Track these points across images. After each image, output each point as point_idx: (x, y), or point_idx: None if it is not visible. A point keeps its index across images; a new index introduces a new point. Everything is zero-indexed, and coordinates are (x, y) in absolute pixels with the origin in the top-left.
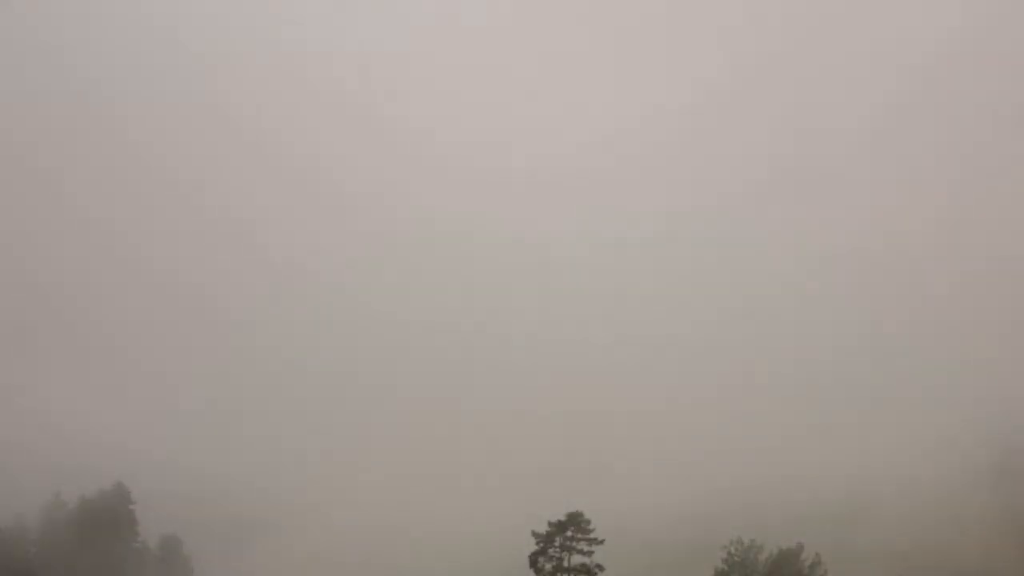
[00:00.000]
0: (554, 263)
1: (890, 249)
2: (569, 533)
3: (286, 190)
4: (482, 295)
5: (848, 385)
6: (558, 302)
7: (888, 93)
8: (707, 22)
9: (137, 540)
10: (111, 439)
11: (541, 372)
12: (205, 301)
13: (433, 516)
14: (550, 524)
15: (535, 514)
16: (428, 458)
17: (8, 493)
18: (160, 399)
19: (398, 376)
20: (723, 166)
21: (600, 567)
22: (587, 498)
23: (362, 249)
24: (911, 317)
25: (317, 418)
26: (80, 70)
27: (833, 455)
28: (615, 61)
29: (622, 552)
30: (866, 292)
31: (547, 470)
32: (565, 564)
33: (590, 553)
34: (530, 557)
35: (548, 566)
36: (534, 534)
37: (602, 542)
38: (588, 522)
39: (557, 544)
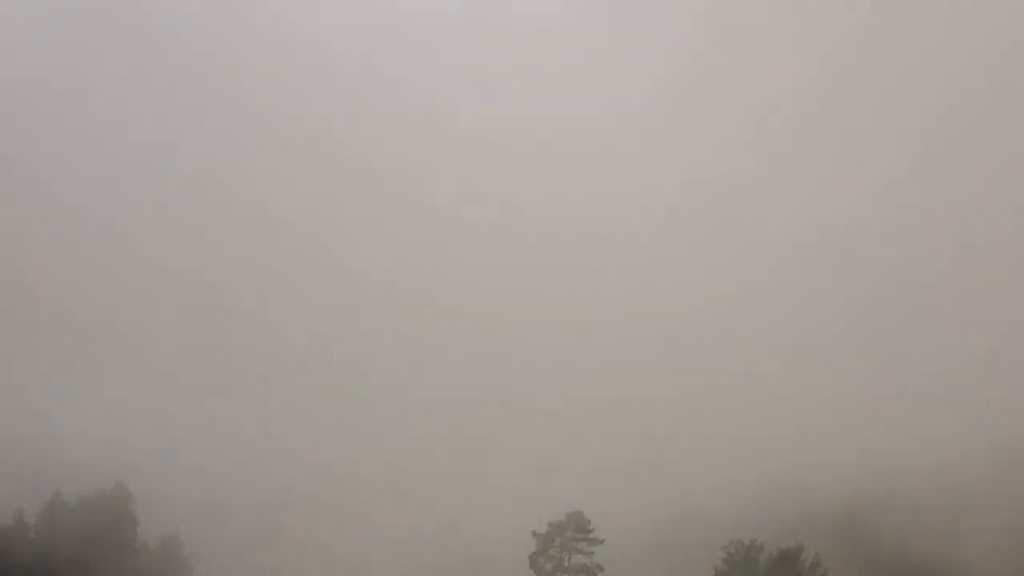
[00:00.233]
0: (548, 262)
1: (888, 244)
2: (569, 533)
3: (298, 176)
4: (479, 294)
5: (848, 384)
6: (557, 300)
7: (891, 85)
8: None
9: (137, 540)
10: (111, 439)
11: (540, 371)
12: (210, 299)
13: (433, 516)
14: (550, 524)
15: (535, 514)
16: (427, 458)
17: (8, 493)
18: (161, 398)
19: (401, 377)
20: (720, 155)
21: (600, 567)
22: (587, 498)
23: (379, 243)
24: (912, 317)
25: (321, 418)
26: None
27: (833, 455)
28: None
29: (622, 552)
30: (866, 291)
31: (547, 470)
32: (565, 564)
33: (590, 553)
34: (530, 557)
35: (548, 566)
36: (534, 534)
37: (602, 542)
38: (588, 522)
39: (557, 544)
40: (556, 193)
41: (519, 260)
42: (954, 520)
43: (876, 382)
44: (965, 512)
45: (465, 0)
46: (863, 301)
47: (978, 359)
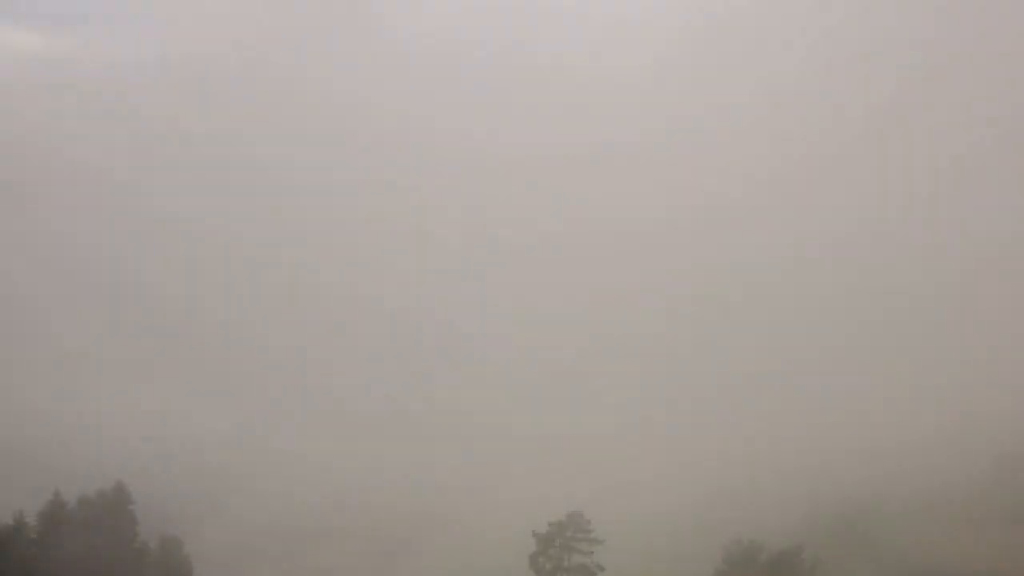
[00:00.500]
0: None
1: (888, 243)
2: (569, 533)
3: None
4: (480, 295)
5: (848, 384)
6: (556, 298)
7: (894, 84)
8: None
9: (137, 540)
10: (111, 439)
11: (540, 369)
12: (202, 302)
13: (433, 515)
14: (550, 524)
15: (535, 514)
16: (426, 457)
17: (8, 493)
18: (163, 396)
19: (402, 376)
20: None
21: (600, 567)
22: (587, 498)
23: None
24: (914, 321)
25: (317, 419)
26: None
27: (833, 454)
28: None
29: (621, 552)
30: (865, 291)
31: (547, 468)
32: (565, 564)
33: (590, 553)
34: (530, 557)
35: (548, 566)
36: (534, 534)
37: (602, 542)
38: (588, 522)
39: (557, 544)
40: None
41: (531, 268)
42: (954, 520)
43: (876, 383)
44: (965, 512)
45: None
46: (865, 307)
47: (978, 361)
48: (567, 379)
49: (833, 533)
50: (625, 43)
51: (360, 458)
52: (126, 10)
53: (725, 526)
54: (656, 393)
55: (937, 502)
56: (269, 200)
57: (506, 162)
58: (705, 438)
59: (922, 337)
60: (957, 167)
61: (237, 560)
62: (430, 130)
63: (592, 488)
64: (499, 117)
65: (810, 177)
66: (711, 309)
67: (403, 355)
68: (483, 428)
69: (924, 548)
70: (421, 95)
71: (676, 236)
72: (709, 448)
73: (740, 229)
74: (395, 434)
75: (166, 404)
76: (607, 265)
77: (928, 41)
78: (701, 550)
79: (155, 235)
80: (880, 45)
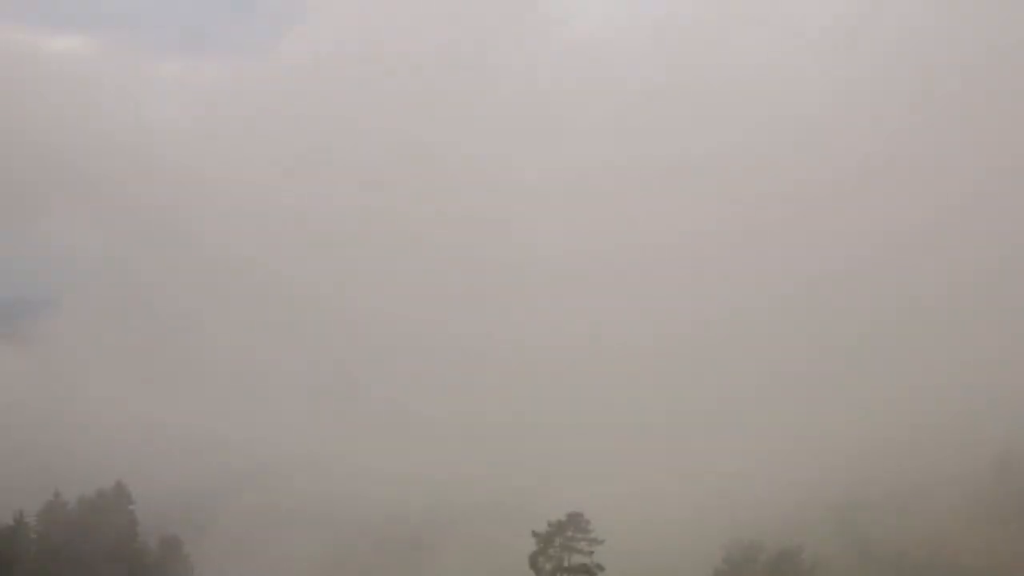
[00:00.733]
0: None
1: (888, 242)
2: (569, 533)
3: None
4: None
5: (847, 384)
6: (559, 297)
7: (899, 86)
8: None
9: (137, 540)
10: (111, 439)
11: (540, 371)
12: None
13: (433, 517)
14: (550, 524)
15: (535, 513)
16: (425, 456)
17: (8, 493)
18: (162, 397)
19: (401, 375)
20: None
21: (600, 567)
22: (587, 498)
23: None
24: (911, 316)
25: (319, 416)
26: None
27: (833, 454)
28: None
29: (621, 552)
30: (864, 290)
31: (547, 469)
32: (565, 564)
33: (590, 553)
34: (530, 557)
35: (548, 566)
36: (534, 534)
37: (602, 542)
38: (588, 522)
39: (557, 544)
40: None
41: (537, 293)
42: (954, 520)
43: (876, 383)
44: (965, 512)
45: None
46: (865, 307)
47: (978, 360)
48: (569, 380)
49: (833, 533)
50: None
51: (364, 458)
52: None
53: (725, 526)
54: (657, 394)
55: (937, 502)
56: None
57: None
58: (705, 438)
59: (922, 337)
60: (962, 175)
61: (237, 560)
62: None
63: (592, 488)
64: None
65: (811, 179)
66: (712, 312)
67: (415, 357)
68: (487, 429)
69: (924, 548)
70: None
71: (690, 251)
72: (709, 448)
73: (748, 243)
74: (399, 435)
75: (167, 404)
76: (621, 276)
77: (959, 46)
78: (701, 550)
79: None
80: (916, 62)
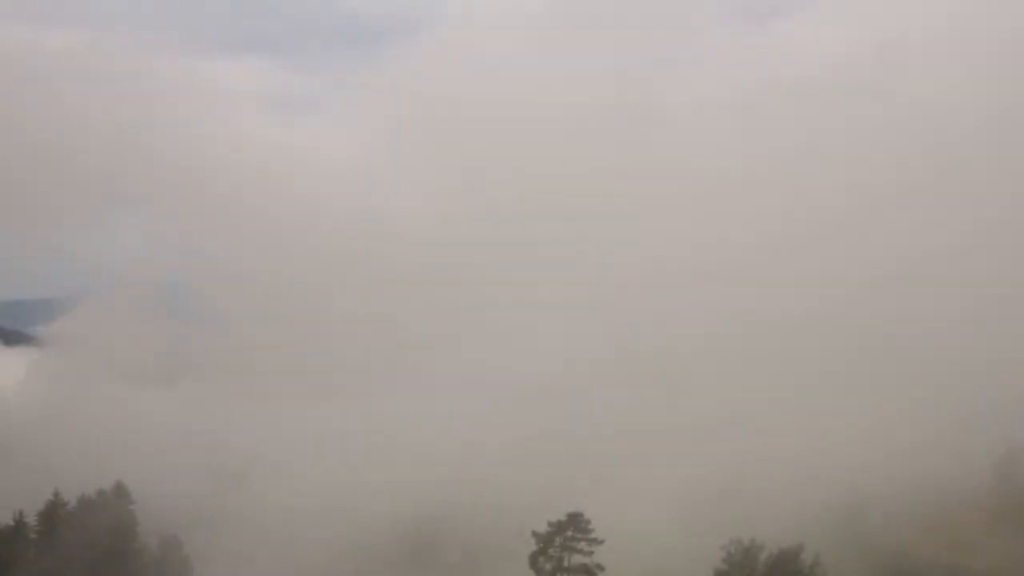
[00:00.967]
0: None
1: (896, 255)
2: (569, 533)
3: None
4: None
5: (847, 384)
6: (562, 296)
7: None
8: None
9: (137, 540)
10: (112, 438)
11: (540, 369)
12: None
13: (433, 517)
14: (550, 524)
15: (536, 513)
16: (424, 455)
17: (8, 493)
18: (162, 397)
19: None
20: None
21: (600, 567)
22: (587, 498)
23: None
24: (912, 318)
25: (324, 419)
26: None
27: (833, 454)
28: None
29: (621, 552)
30: (862, 290)
31: (547, 467)
32: (565, 564)
33: (590, 553)
34: (530, 557)
35: (548, 566)
36: (534, 534)
37: (602, 542)
38: (588, 522)
39: (557, 544)
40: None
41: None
42: (954, 521)
43: (877, 383)
44: (965, 512)
45: None
46: (866, 308)
47: (978, 361)
48: (570, 380)
49: (833, 533)
50: None
51: (365, 458)
52: None
53: (725, 526)
54: (657, 394)
55: (937, 502)
56: None
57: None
58: (705, 438)
59: (922, 337)
60: (962, 175)
61: (237, 560)
62: None
63: (592, 488)
64: None
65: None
66: (716, 318)
67: (422, 361)
68: (488, 429)
69: (924, 548)
70: None
71: (699, 262)
72: (709, 448)
73: (756, 254)
74: (399, 436)
75: (167, 403)
76: (625, 282)
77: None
78: (701, 550)
79: None
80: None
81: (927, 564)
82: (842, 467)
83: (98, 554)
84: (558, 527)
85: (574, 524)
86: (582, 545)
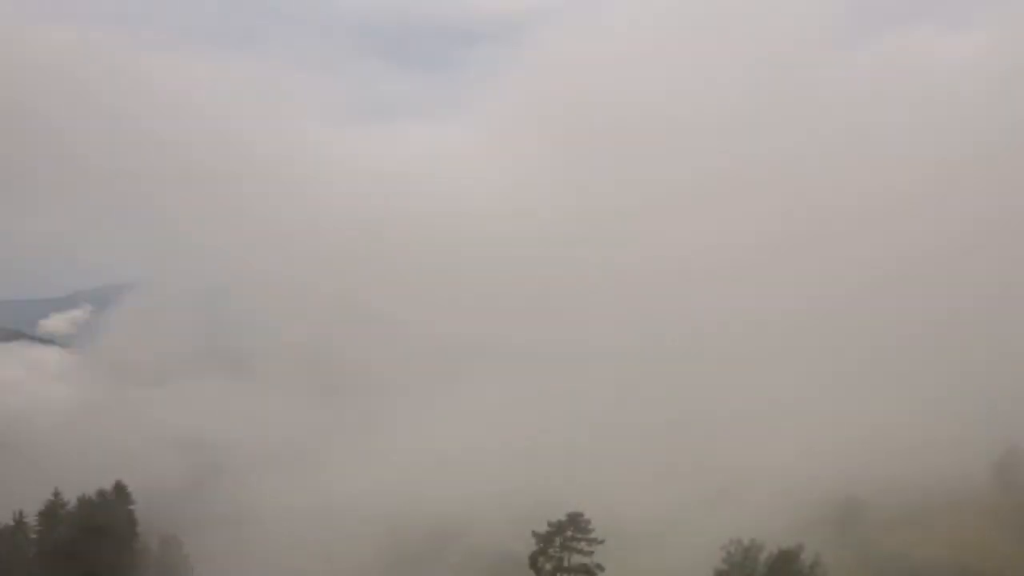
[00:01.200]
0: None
1: (898, 257)
2: (569, 533)
3: None
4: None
5: (846, 384)
6: (565, 296)
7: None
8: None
9: (137, 540)
10: (112, 437)
11: (540, 371)
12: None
13: (429, 515)
14: (550, 524)
15: (536, 513)
16: (423, 456)
17: (8, 493)
18: (163, 396)
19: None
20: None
21: (600, 567)
22: (587, 498)
23: None
24: (912, 320)
25: (325, 419)
26: None
27: (833, 454)
28: None
29: (621, 552)
30: (862, 290)
31: (549, 467)
32: (565, 564)
33: (590, 553)
34: (530, 557)
35: (548, 566)
36: (534, 534)
37: (602, 542)
38: (588, 522)
39: (557, 544)
40: None
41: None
42: (953, 521)
43: (876, 384)
44: (965, 513)
45: None
46: (866, 308)
47: (977, 362)
48: (571, 380)
49: (832, 533)
50: None
51: (365, 460)
52: None
53: (725, 526)
54: (658, 394)
55: (937, 502)
56: None
57: None
58: (705, 438)
59: (922, 337)
60: (962, 174)
61: (237, 560)
62: None
63: (592, 488)
64: None
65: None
66: (718, 317)
67: (431, 357)
68: (487, 430)
69: (924, 548)
70: None
71: (703, 262)
72: (709, 448)
73: (761, 255)
74: (400, 437)
75: (167, 402)
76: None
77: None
78: (701, 550)
79: None
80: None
81: (927, 564)
82: (842, 467)
83: (98, 554)
84: (558, 527)
85: (574, 524)
86: (582, 545)
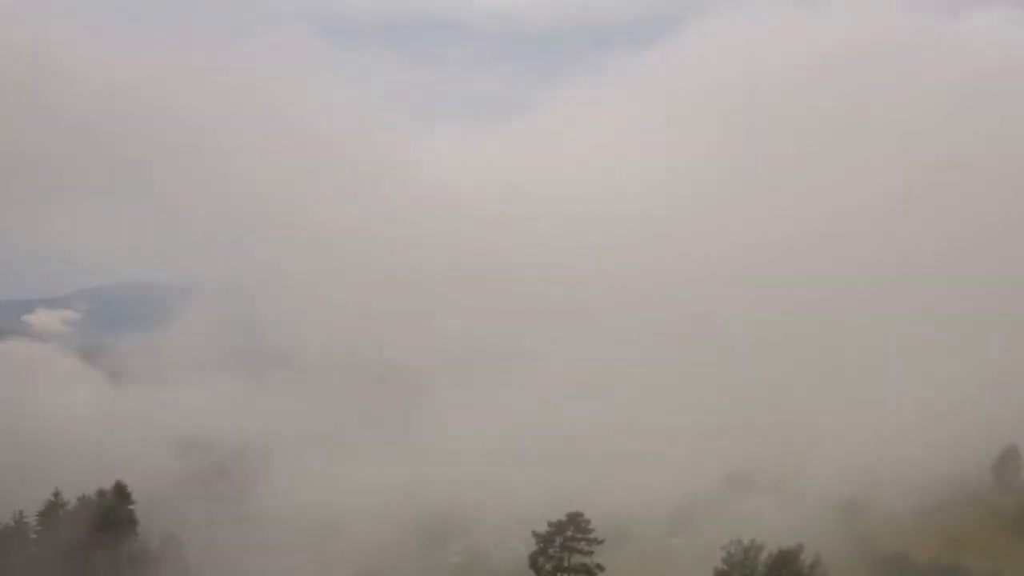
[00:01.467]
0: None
1: (889, 245)
2: (569, 533)
3: None
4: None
5: (846, 384)
6: (568, 294)
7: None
8: None
9: (137, 540)
10: (113, 437)
11: (544, 370)
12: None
13: (432, 519)
14: (550, 524)
15: (536, 512)
16: (424, 455)
17: (8, 493)
18: (162, 395)
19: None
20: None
21: (600, 567)
22: (587, 498)
23: None
24: (913, 321)
25: (325, 420)
26: None
27: (832, 454)
28: None
29: (621, 552)
30: (863, 290)
31: (549, 467)
32: (565, 564)
33: (590, 553)
34: (530, 557)
35: (548, 566)
36: (534, 534)
37: (602, 542)
38: (588, 522)
39: (557, 544)
40: None
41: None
42: (953, 521)
43: (876, 384)
44: (965, 513)
45: None
46: (866, 309)
47: (977, 362)
48: (571, 380)
49: (833, 533)
50: None
51: (366, 460)
52: None
53: (724, 526)
54: (658, 395)
55: (936, 502)
56: None
57: None
58: (706, 438)
59: (923, 341)
60: (962, 176)
61: (237, 560)
62: None
63: (592, 488)
64: None
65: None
66: (718, 319)
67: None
68: (487, 430)
69: (924, 548)
70: None
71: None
72: (709, 448)
73: (763, 258)
74: (400, 438)
75: (166, 402)
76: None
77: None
78: (701, 550)
79: None
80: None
81: (927, 564)
82: (842, 467)
83: (98, 554)
84: (558, 527)
85: (574, 524)
86: (582, 545)
